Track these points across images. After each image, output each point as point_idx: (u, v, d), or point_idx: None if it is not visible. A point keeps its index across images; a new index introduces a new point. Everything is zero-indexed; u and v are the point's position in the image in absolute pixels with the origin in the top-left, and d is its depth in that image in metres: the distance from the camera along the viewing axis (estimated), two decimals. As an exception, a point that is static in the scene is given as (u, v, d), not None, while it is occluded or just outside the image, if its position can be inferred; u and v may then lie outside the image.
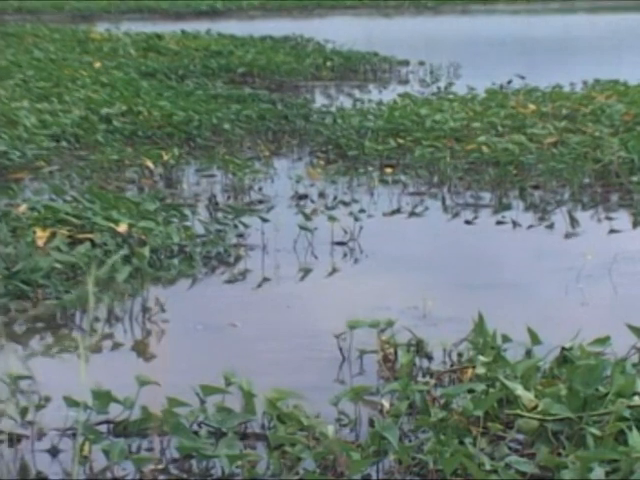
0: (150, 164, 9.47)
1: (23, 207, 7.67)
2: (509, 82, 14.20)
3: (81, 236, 7.02)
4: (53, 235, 6.92)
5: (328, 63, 16.91)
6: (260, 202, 8.59)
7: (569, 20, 28.98)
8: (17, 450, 4.43)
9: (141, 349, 5.77)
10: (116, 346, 5.81)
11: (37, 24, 22.60)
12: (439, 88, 14.76)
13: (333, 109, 12.45)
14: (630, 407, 4.34)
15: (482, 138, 10.28)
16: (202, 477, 4.19)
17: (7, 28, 21.06)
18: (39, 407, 4.61)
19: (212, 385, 4.59)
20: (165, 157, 9.70)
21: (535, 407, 4.46)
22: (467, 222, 8.32)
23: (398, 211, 8.58)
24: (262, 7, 29.91)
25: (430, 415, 4.45)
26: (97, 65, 15.28)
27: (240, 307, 6.42)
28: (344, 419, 4.62)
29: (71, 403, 4.52)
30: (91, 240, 6.95)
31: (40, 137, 10.23)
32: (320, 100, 13.89)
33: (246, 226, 7.77)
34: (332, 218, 7.91)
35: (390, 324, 5.45)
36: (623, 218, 8.38)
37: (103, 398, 4.54)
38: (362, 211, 8.32)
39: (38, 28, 21.14)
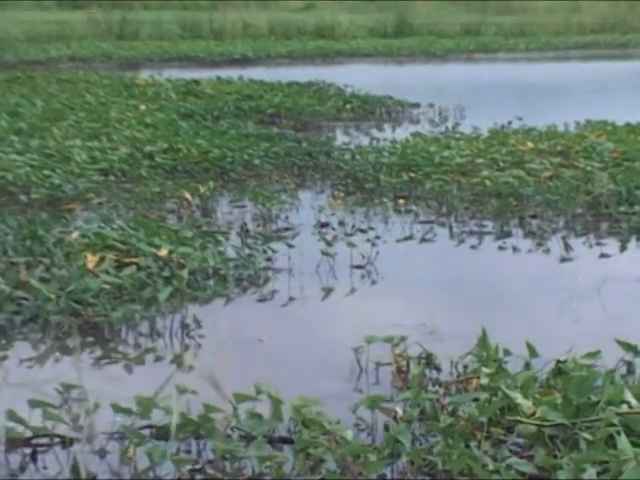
0: (188, 196, 9.49)
1: (75, 234, 7.70)
2: (509, 122, 14.19)
3: (127, 260, 7.05)
4: (102, 259, 6.95)
5: (348, 105, 16.91)
6: (286, 230, 8.60)
7: (563, 67, 28.96)
8: (70, 452, 4.45)
9: (180, 361, 5.78)
10: (158, 359, 5.82)
11: (88, 71, 22.63)
12: (447, 128, 14.78)
13: (352, 146, 12.46)
14: (619, 414, 4.33)
15: (485, 172, 10.30)
16: (234, 476, 4.19)
17: (62, 75, 21.09)
18: (89, 413, 4.62)
19: (244, 393, 4.61)
20: (201, 189, 9.74)
21: (533, 414, 4.45)
22: (472, 247, 8.32)
23: (410, 238, 8.59)
24: (288, 55, 29.86)
25: (439, 421, 4.45)
26: (141, 108, 15.32)
27: (268, 324, 6.44)
28: (362, 424, 4.62)
29: (117, 409, 4.54)
30: (136, 264, 6.97)
31: (90, 172, 10.27)
32: (340, 138, 13.91)
33: (274, 251, 7.78)
34: (351, 244, 7.91)
35: (403, 339, 5.46)
36: (612, 244, 8.38)
37: (146, 405, 4.55)
38: (378, 238, 8.33)
39: (89, 75, 21.20)
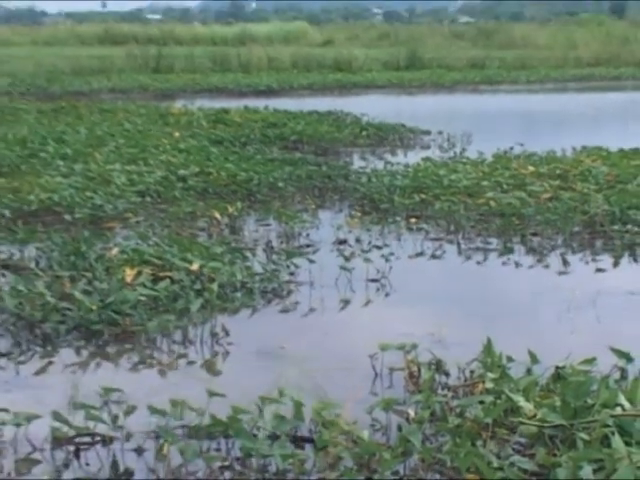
0: (217, 215, 9.51)
1: (115, 250, 7.72)
2: (511, 148, 14.15)
3: (162, 274, 7.06)
4: (139, 273, 6.96)
5: (363, 132, 16.89)
6: (307, 246, 8.60)
7: (561, 98, 28.95)
8: (109, 449, 4.46)
9: (210, 366, 5.79)
10: (189, 364, 5.82)
11: (127, 102, 22.68)
12: (455, 153, 14.75)
13: (368, 170, 12.44)
14: (613, 416, 4.32)
15: (490, 194, 10.28)
16: (260, 472, 4.19)
17: (103, 105, 21.16)
18: (127, 414, 4.62)
19: (268, 396, 4.61)
20: (230, 209, 9.75)
21: (534, 415, 4.45)
22: (478, 263, 8.30)
23: (421, 254, 8.57)
24: (309, 87, 29.91)
25: (448, 422, 4.44)
26: (175, 135, 15.36)
27: (291, 332, 6.43)
28: (377, 425, 4.62)
29: (153, 411, 4.55)
30: (170, 277, 6.98)
31: (129, 193, 10.30)
32: (357, 163, 13.90)
33: (296, 266, 7.78)
34: (367, 259, 7.90)
35: (414, 347, 5.45)
36: (606, 260, 8.36)
37: (179, 407, 4.56)
38: (391, 254, 8.31)
39: (128, 105, 21.25)
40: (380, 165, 13.12)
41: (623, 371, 5.22)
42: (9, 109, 20.03)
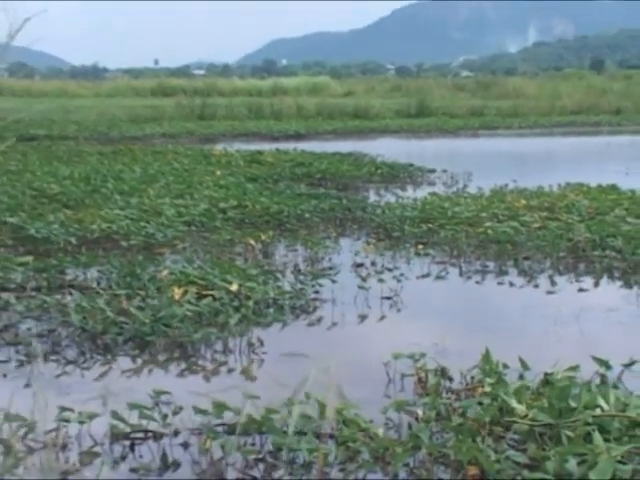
0: (252, 242, 9.53)
1: (165, 272, 7.74)
2: (506, 184, 14.13)
3: (205, 292, 7.07)
4: (185, 292, 6.97)
5: (378, 171, 16.92)
6: (330, 269, 8.59)
7: (548, 141, 28.99)
8: (159, 444, 4.47)
9: (246, 372, 5.78)
10: (229, 370, 5.82)
11: (176, 145, 22.81)
12: (457, 188, 14.75)
13: (382, 203, 12.47)
14: (593, 416, 4.32)
15: (488, 224, 10.28)
16: (289, 464, 4.19)
17: (155, 148, 21.30)
18: (175, 413, 4.63)
19: (296, 398, 4.60)
20: (263, 237, 9.77)
21: (526, 415, 4.43)
22: (477, 283, 8.30)
23: (428, 275, 8.57)
24: (333, 132, 30.03)
25: (451, 421, 4.44)
26: (217, 173, 15.42)
27: (316, 343, 6.42)
28: (390, 423, 4.60)
29: (197, 410, 4.56)
30: (212, 296, 7.00)
31: (177, 223, 10.34)
32: (373, 197, 13.91)
33: (320, 285, 7.78)
34: (381, 280, 7.90)
35: (422, 356, 5.44)
36: (588, 281, 8.34)
37: (220, 407, 4.57)
38: (402, 275, 8.30)
39: (176, 147, 21.34)
40: (392, 199, 13.15)
41: (603, 377, 5.19)
42: (75, 151, 20.18)
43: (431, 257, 9.33)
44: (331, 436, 4.39)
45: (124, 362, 5.91)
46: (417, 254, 9.45)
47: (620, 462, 3.87)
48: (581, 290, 8.03)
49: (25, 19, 3.19)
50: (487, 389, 4.87)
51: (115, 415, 4.59)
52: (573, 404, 4.49)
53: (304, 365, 6.10)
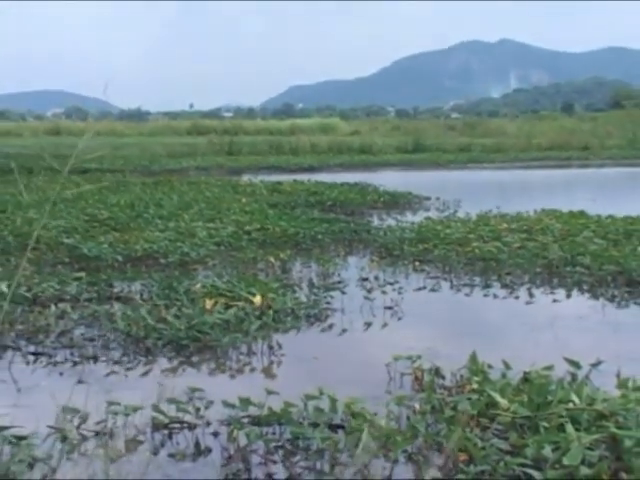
0: (272, 260, 9.54)
1: (198, 286, 7.75)
2: (490, 210, 14.15)
3: (232, 303, 7.07)
4: (215, 303, 6.98)
5: (381, 199, 16.92)
6: (339, 282, 8.59)
7: (526, 173, 28.99)
8: (193, 433, 4.47)
9: (267, 372, 5.78)
10: (252, 370, 5.82)
11: (207, 176, 22.92)
12: (449, 214, 14.71)
13: (384, 226, 12.48)
14: (566, 409, 4.31)
15: (475, 244, 10.29)
16: (304, 450, 4.19)
17: (190, 179, 21.39)
18: (206, 407, 4.63)
19: (311, 394, 4.60)
20: (282, 255, 9.78)
21: (508, 409, 4.42)
22: (465, 295, 8.27)
23: (423, 288, 8.56)
24: (342, 165, 30.10)
25: (444, 413, 4.43)
26: (243, 200, 15.45)
27: (328, 347, 6.42)
28: (391, 415, 4.59)
29: (226, 404, 4.56)
30: (238, 306, 7.00)
31: (208, 243, 10.36)
32: (376, 221, 13.91)
33: (331, 297, 7.78)
34: (383, 292, 7.92)
35: (419, 357, 5.43)
36: (561, 293, 8.32)
37: (245, 402, 4.56)
38: (402, 288, 8.32)
39: (208, 179, 21.43)
40: (393, 223, 13.16)
41: (574, 375, 5.17)
42: (122, 182, 20.27)
43: (426, 272, 9.32)
44: (341, 427, 4.39)
45: (163, 363, 5.92)
46: (414, 270, 9.45)
47: (589, 449, 3.86)
48: (555, 301, 8.01)
49: (107, 80, 3.23)
50: (474, 386, 4.86)
51: (156, 408, 4.61)
52: (549, 399, 4.49)
53: (318, 365, 6.12)
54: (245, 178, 22.38)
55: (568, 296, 8.24)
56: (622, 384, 4.90)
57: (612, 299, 8.06)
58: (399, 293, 8.12)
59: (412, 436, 4.23)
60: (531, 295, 8.23)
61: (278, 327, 6.77)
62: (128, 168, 26.58)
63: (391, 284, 8.58)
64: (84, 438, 4.39)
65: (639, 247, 9.94)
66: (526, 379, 4.96)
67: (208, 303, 6.94)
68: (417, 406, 4.65)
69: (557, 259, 9.42)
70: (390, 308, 7.54)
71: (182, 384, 5.08)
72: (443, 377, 5.29)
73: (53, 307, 7.20)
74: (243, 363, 5.97)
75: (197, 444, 4.36)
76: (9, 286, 7.48)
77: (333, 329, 6.90)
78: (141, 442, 4.38)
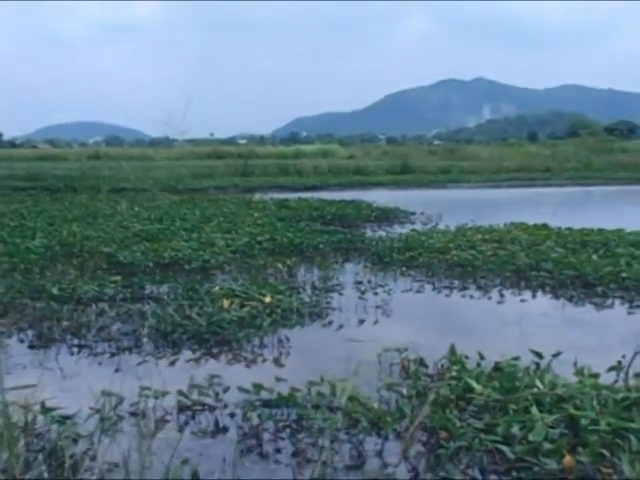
0: (280, 266, 9.54)
1: (217, 288, 7.75)
2: (467, 223, 14.16)
3: (246, 303, 7.07)
4: (232, 302, 6.98)
5: (373, 213, 16.90)
6: (337, 285, 8.59)
7: (497, 192, 28.93)
8: (213, 414, 4.47)
9: (277, 362, 5.77)
10: (264, 360, 5.81)
11: (225, 194, 22.91)
12: (431, 226, 14.71)
13: (376, 237, 12.47)
14: (531, 394, 4.31)
15: (454, 252, 10.30)
16: (308, 429, 4.19)
17: (210, 197, 21.39)
18: (224, 392, 4.64)
19: (313, 381, 4.61)
20: (288, 262, 9.78)
21: (482, 393, 4.43)
22: (446, 296, 8.27)
23: (410, 290, 8.55)
24: (340, 185, 30.03)
25: (427, 397, 4.42)
26: (255, 215, 15.44)
27: (327, 341, 6.41)
28: (382, 399, 4.60)
29: (241, 390, 4.57)
30: (251, 305, 7.01)
31: (226, 252, 10.37)
32: (369, 232, 13.89)
33: (331, 297, 7.79)
34: (375, 293, 7.92)
35: (405, 349, 5.43)
36: (527, 294, 8.33)
37: (257, 387, 4.57)
38: (390, 290, 8.32)
39: (225, 196, 21.41)
40: (384, 234, 13.16)
41: (537, 365, 5.17)
42: (152, 200, 20.28)
43: (412, 277, 9.32)
44: (339, 409, 4.38)
45: (187, 354, 5.92)
46: (402, 274, 9.45)
47: (550, 427, 3.86)
48: (522, 301, 8.01)
49: (168, 118, 3.26)
50: (453, 374, 4.86)
51: (181, 393, 4.62)
52: (516, 385, 4.49)
53: (319, 356, 6.11)
54: (257, 196, 22.40)
55: (533, 296, 8.24)
56: (579, 372, 4.92)
57: (570, 299, 8.06)
58: (388, 294, 8.12)
59: (400, 417, 4.22)
60: (502, 296, 8.23)
61: (285, 323, 6.77)
62: (157, 187, 26.56)
63: (382, 286, 8.58)
64: (120, 418, 4.40)
65: (593, 255, 9.97)
66: (497, 368, 4.96)
67: (225, 303, 6.95)
68: (404, 391, 4.65)
69: (524, 265, 9.42)
70: (381, 307, 7.54)
71: (203, 372, 5.08)
72: (426, 366, 5.29)
73: (93, 306, 7.23)
74: (256, 354, 5.97)
75: (216, 423, 4.36)
76: (58, 288, 7.50)
77: (332, 325, 6.90)
78: (168, 421, 4.38)
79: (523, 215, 15.42)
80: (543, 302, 7.99)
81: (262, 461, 3.88)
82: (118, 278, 8.44)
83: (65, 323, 6.68)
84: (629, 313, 7.46)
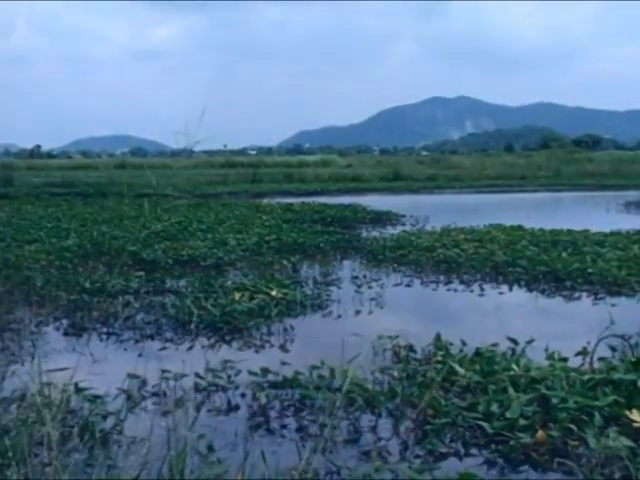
0: (285, 262, 9.55)
1: (229, 282, 7.76)
2: (450, 224, 14.15)
3: (255, 295, 7.08)
4: (243, 295, 6.99)
5: (368, 216, 16.90)
6: (336, 280, 8.59)
7: (478, 197, 28.88)
8: (226, 394, 4.48)
9: (283, 347, 5.78)
10: (271, 346, 5.82)
11: (237, 199, 22.92)
12: (419, 227, 14.72)
13: (371, 237, 12.48)
14: (508, 376, 4.32)
15: (440, 250, 10.30)
16: (310, 407, 4.19)
17: (223, 201, 21.38)
18: (236, 374, 4.64)
19: (315, 365, 4.60)
20: (292, 259, 9.80)
21: (465, 376, 4.43)
22: (432, 289, 8.28)
23: (400, 284, 8.56)
24: (338, 190, 29.92)
25: (416, 379, 4.44)
26: (263, 217, 15.42)
27: (327, 329, 6.42)
28: (377, 381, 4.60)
29: (251, 373, 4.57)
30: (259, 297, 7.01)
31: (237, 250, 10.37)
32: (365, 233, 13.88)
33: (330, 291, 7.79)
34: (370, 287, 7.92)
35: (397, 336, 5.43)
36: (504, 287, 8.34)
37: (265, 370, 4.57)
38: (383, 284, 8.31)
39: (237, 201, 21.42)
40: (377, 234, 13.15)
41: (513, 350, 5.17)
42: (172, 204, 20.24)
43: (402, 272, 9.32)
44: (338, 389, 4.38)
45: (203, 341, 5.93)
46: (393, 270, 9.45)
47: (525, 405, 3.87)
48: (500, 293, 8.02)
49: (177, 132, 3.27)
50: (439, 359, 4.87)
51: (197, 375, 4.62)
52: (495, 368, 4.50)
53: (320, 343, 6.11)
54: (265, 201, 22.38)
55: (510, 290, 8.24)
56: (549, 356, 4.93)
57: (543, 292, 8.07)
58: (381, 288, 8.11)
59: (392, 396, 4.23)
60: (482, 289, 8.23)
61: (290, 313, 6.78)
62: (176, 193, 26.47)
63: (375, 281, 8.58)
64: (143, 397, 4.41)
65: (563, 253, 9.97)
66: (478, 353, 4.97)
67: (237, 295, 6.95)
68: (395, 374, 4.66)
69: (502, 262, 9.42)
70: (375, 299, 7.54)
71: (217, 357, 5.09)
72: (415, 352, 5.30)
73: (120, 298, 7.23)
74: (264, 341, 5.98)
75: (229, 402, 4.36)
76: (89, 282, 7.50)
77: (331, 315, 6.90)
78: (186, 401, 4.38)
79: (501, 217, 15.41)
80: (518, 295, 8.00)
81: (269, 436, 3.89)
82: (142, 273, 8.45)
83: (95, 313, 6.70)
84: (594, 304, 7.47)
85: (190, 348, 5.72)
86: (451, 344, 5.20)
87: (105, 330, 6.24)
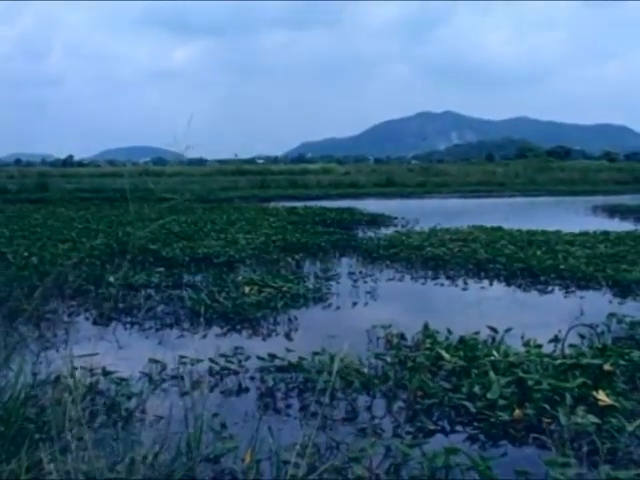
0: (290, 260, 9.54)
1: (240, 277, 7.75)
2: (437, 225, 14.14)
3: (263, 289, 7.08)
4: (252, 289, 6.99)
5: (364, 218, 16.90)
6: (335, 275, 8.59)
7: (462, 201, 28.82)
8: (237, 377, 4.47)
9: (288, 336, 5.77)
10: (277, 334, 5.82)
11: (246, 203, 22.89)
12: (410, 228, 14.70)
13: (366, 237, 12.48)
14: (489, 361, 4.31)
15: (428, 249, 10.29)
16: (312, 389, 4.18)
17: (234, 205, 21.37)
18: (246, 360, 4.64)
19: (316, 351, 4.60)
20: (296, 257, 9.79)
21: (451, 361, 4.43)
22: (422, 284, 8.28)
23: (393, 279, 8.56)
24: (337, 195, 29.92)
25: (407, 364, 4.44)
26: (270, 219, 15.43)
27: (327, 319, 6.42)
28: (371, 365, 4.59)
29: (259, 358, 4.59)
30: (267, 291, 7.01)
31: (247, 248, 10.36)
32: (361, 233, 13.87)
33: (330, 285, 7.79)
34: (365, 282, 7.91)
35: (390, 326, 5.43)
36: (485, 282, 8.34)
37: (272, 356, 4.58)
38: (377, 279, 8.31)
39: (247, 205, 21.42)
40: (372, 234, 13.14)
41: (493, 338, 5.18)
42: (189, 207, 20.26)
43: (395, 269, 9.31)
44: (337, 373, 4.39)
45: (216, 330, 5.93)
46: (387, 267, 9.44)
47: (504, 387, 3.87)
48: (482, 288, 8.01)
49: (187, 147, 3.27)
50: (427, 345, 4.87)
51: (211, 360, 4.62)
52: (477, 354, 4.49)
53: (321, 331, 6.10)
54: (272, 204, 22.37)
55: (490, 284, 8.24)
56: (526, 343, 4.92)
57: (520, 286, 8.06)
58: (376, 282, 8.11)
59: (385, 380, 4.23)
60: (466, 284, 8.22)
61: (294, 305, 6.78)
62: (193, 198, 26.49)
63: (370, 276, 8.57)
64: (163, 380, 4.41)
65: (537, 251, 9.96)
66: (462, 340, 4.97)
67: (247, 289, 6.96)
68: (388, 359, 4.66)
69: (483, 259, 9.41)
70: (370, 293, 7.54)
71: (229, 344, 5.09)
72: (406, 339, 5.29)
73: (143, 292, 7.23)
74: (270, 330, 5.98)
75: (239, 385, 4.36)
76: (115, 278, 7.51)
77: (331, 307, 6.90)
78: (201, 383, 4.38)
79: (482, 219, 15.40)
80: (498, 288, 7.99)
81: (276, 414, 3.89)
82: (162, 269, 8.45)
83: (120, 305, 6.70)
84: (565, 297, 7.46)
85: (204, 336, 5.72)
86: (438, 332, 5.20)
87: (129, 320, 6.25)
